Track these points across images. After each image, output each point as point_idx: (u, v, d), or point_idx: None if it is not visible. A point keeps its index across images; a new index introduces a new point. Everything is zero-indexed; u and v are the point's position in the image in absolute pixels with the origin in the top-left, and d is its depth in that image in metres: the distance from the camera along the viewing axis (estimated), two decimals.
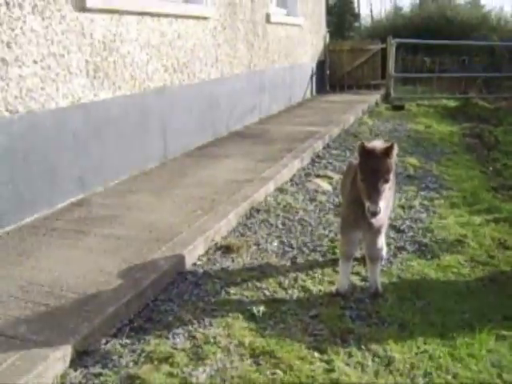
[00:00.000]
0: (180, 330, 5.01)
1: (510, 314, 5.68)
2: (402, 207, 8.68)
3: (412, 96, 20.46)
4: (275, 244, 6.95)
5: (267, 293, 5.76)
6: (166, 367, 4.49)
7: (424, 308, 5.65)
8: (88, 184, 8.24)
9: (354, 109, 16.35)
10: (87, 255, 6.01)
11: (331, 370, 4.57)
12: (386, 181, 4.69)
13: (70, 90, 7.82)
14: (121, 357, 4.63)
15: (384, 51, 20.62)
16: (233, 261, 6.44)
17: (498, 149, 13.58)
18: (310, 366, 4.60)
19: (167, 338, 4.90)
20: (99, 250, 6.14)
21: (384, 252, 6.75)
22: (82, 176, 8.13)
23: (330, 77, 21.78)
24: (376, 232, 5.55)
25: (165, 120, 10.22)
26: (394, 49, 19.79)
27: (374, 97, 19.42)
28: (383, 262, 6.68)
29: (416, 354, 4.87)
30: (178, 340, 4.87)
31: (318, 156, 11.41)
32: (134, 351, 4.71)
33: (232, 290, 5.75)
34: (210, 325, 5.11)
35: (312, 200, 8.64)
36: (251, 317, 5.28)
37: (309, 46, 19.73)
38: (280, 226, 7.51)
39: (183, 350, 4.74)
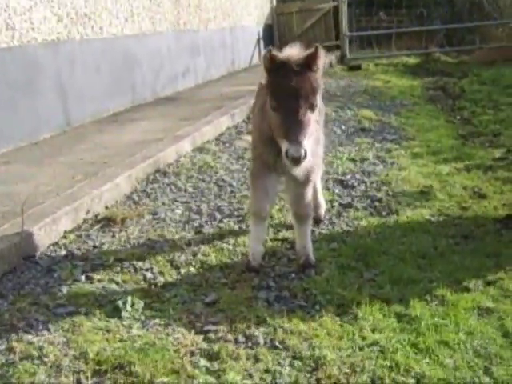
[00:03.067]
0: None
1: (493, 278, 4.06)
2: (353, 160, 7.03)
3: (369, 56, 18.77)
4: (178, 211, 5.22)
5: (149, 275, 4.03)
6: None
7: (375, 280, 4.02)
8: None
9: None
10: None
11: None
12: (312, 107, 3.35)
13: None
14: None
15: (337, 11, 18.87)
16: (113, 236, 4.69)
17: (465, 98, 12.07)
18: (186, 383, 2.87)
19: None
20: None
21: (323, 210, 5.04)
22: None
23: (280, 41, 19.98)
24: (304, 180, 3.95)
25: (62, 81, 8.39)
26: (346, 5, 18.08)
27: (328, 58, 17.68)
28: (324, 225, 4.98)
29: (360, 348, 3.20)
30: None
31: None
32: None
33: (98, 276, 4.01)
34: (46, 329, 3.37)
35: (239, 158, 6.93)
36: (114, 312, 3.56)
37: (252, 8, 17.96)
38: (190, 190, 5.78)
39: None
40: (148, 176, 6.02)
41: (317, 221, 4.91)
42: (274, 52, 3.35)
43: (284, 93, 3.27)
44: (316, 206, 4.85)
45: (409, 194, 5.70)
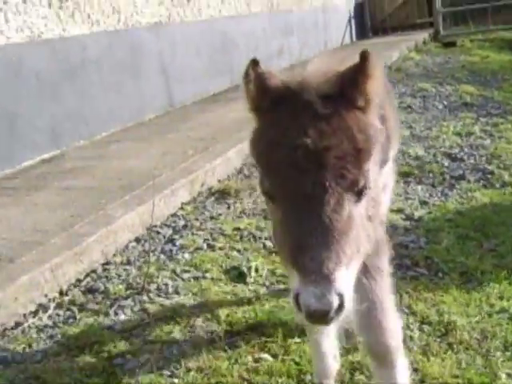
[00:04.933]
0: (128, 302, 3.41)
1: None
2: (459, 134, 6.87)
3: (464, 32, 18.21)
4: None
5: (268, 244, 4.09)
6: (86, 358, 2.88)
7: (495, 250, 3.91)
8: (63, 137, 6.71)
9: (397, 47, 14.43)
10: (29, 212, 4.45)
11: (353, 350, 2.88)
12: (359, 190, 1.65)
13: (26, 22, 6.25)
14: (30, 346, 3.06)
15: None
16: (228, 207, 4.79)
17: None
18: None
19: (106, 314, 3.29)
20: (48, 205, 4.63)
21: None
22: (53, 128, 6.56)
23: (371, 20, 19.72)
24: (374, 270, 2.09)
25: (165, 62, 8.59)
26: None
27: (422, 35, 17.36)
28: (437, 196, 4.90)
29: (489, 315, 3.14)
30: (120, 317, 3.26)
31: None
32: (50, 337, 3.13)
33: (219, 244, 4.11)
34: (176, 292, 3.49)
35: None
36: (239, 277, 3.63)
37: None
38: None
39: (122, 330, 3.12)
40: None
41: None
42: (266, 69, 1.76)
43: (290, 163, 1.59)
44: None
45: None
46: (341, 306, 1.51)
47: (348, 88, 1.66)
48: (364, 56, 1.64)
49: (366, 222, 1.72)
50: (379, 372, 2.22)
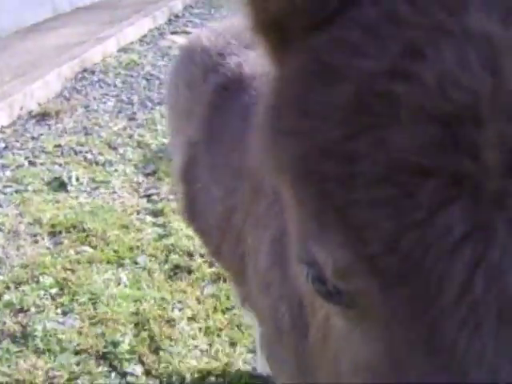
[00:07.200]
0: None
1: None
2: None
3: None
4: (110, 103, 5.41)
5: (89, 156, 4.26)
6: None
7: None
8: None
9: None
10: None
11: (166, 236, 3.18)
12: None
13: None
14: None
15: None
16: (49, 128, 4.87)
17: None
18: (136, 234, 3.19)
19: None
20: None
21: None
22: None
23: None
24: None
25: None
26: None
27: None
28: None
29: None
30: None
31: (177, 16, 9.71)
32: None
33: (40, 160, 4.22)
34: None
35: (164, 55, 7.04)
36: (60, 186, 3.80)
37: None
38: (119, 85, 5.94)
39: None
40: (76, 75, 6.13)
41: None
42: None
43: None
44: None
45: None
46: None
47: None
48: None
49: None
50: None
